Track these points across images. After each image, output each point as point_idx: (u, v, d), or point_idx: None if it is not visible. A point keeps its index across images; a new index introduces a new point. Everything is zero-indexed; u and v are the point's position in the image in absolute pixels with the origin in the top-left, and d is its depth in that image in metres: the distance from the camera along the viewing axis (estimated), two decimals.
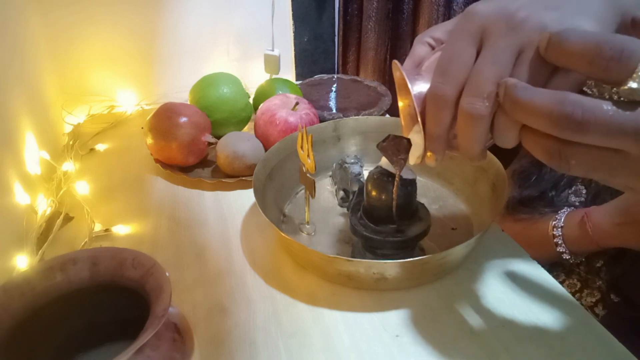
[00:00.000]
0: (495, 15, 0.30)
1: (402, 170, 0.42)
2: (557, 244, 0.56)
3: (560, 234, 0.56)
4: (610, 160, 0.26)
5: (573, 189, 0.58)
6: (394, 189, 0.42)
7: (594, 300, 0.56)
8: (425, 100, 0.33)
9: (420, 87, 0.34)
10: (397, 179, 0.42)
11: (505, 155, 0.65)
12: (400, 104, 0.40)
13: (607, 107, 0.25)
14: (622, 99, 0.25)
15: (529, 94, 0.27)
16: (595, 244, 0.53)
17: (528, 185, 0.61)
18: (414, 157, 0.38)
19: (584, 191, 0.57)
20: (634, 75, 0.24)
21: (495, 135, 0.31)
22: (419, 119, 0.34)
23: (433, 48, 0.39)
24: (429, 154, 0.36)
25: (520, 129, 0.30)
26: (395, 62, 0.36)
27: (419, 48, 0.40)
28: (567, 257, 0.56)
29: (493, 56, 0.30)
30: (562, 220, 0.56)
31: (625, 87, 0.24)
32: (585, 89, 0.31)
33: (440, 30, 0.40)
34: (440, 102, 0.32)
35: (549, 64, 0.29)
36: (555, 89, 0.28)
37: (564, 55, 0.27)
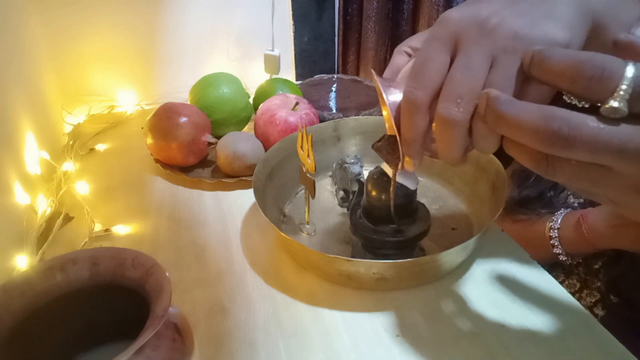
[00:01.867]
0: (468, 22, 0.30)
1: (406, 177, 0.42)
2: (553, 245, 0.56)
3: (557, 235, 0.56)
4: (593, 174, 0.26)
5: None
6: (391, 188, 0.42)
7: (593, 300, 0.56)
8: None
9: (395, 95, 0.35)
10: (393, 178, 0.42)
11: (505, 155, 0.65)
12: (384, 112, 0.40)
13: (593, 123, 0.25)
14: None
15: (514, 109, 0.27)
16: (591, 246, 0.53)
17: (527, 186, 0.61)
18: (391, 164, 0.39)
19: None
20: (615, 94, 0.24)
21: (475, 142, 0.31)
22: (394, 125, 0.34)
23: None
24: (407, 159, 0.36)
25: (502, 137, 0.30)
26: (372, 71, 0.37)
27: (398, 58, 0.40)
28: (564, 259, 0.56)
29: (467, 62, 0.30)
30: (559, 221, 0.56)
31: (607, 106, 0.24)
32: (565, 97, 0.31)
33: (418, 40, 0.40)
34: (413, 107, 0.32)
35: (520, 70, 0.29)
36: (531, 95, 0.29)
37: (546, 73, 0.27)
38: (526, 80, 0.29)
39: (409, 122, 0.33)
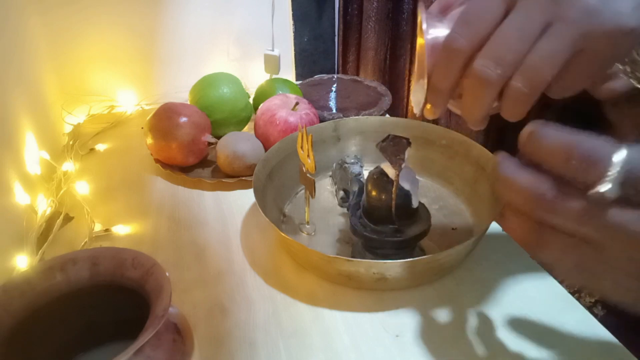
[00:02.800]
0: None
1: (407, 178, 0.42)
2: None
3: None
4: (583, 251, 0.26)
5: None
6: (393, 189, 0.42)
7: (593, 300, 0.56)
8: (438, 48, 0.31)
9: (437, 32, 0.32)
10: (395, 179, 0.42)
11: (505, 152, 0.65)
12: (418, 49, 0.37)
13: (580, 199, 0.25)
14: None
15: (511, 173, 0.26)
16: None
17: None
18: (415, 105, 0.36)
19: None
20: (603, 180, 0.24)
21: (503, 106, 0.30)
22: (426, 67, 0.32)
23: None
24: (428, 106, 0.34)
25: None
26: (421, 2, 0.35)
27: None
28: None
29: (521, 22, 0.28)
30: None
31: (594, 191, 0.24)
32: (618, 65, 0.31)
33: None
34: (453, 55, 0.30)
35: (573, 45, 0.27)
36: (576, 74, 0.28)
37: (539, 153, 0.26)
38: (576, 55, 0.28)
39: (445, 69, 0.31)
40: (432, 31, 0.32)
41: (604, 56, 0.28)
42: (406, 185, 0.43)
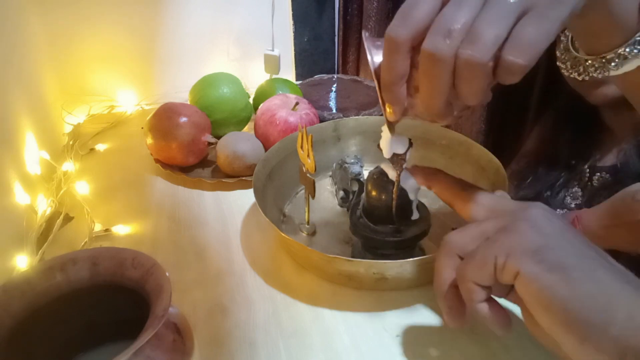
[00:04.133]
0: None
1: (408, 179, 0.42)
2: None
3: None
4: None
5: (569, 191, 0.58)
6: (394, 189, 0.42)
7: None
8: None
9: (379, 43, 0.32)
10: (396, 179, 0.42)
11: (505, 156, 0.65)
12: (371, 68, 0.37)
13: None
14: None
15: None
16: None
17: (524, 187, 0.61)
18: (383, 148, 0.39)
19: (580, 193, 0.57)
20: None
21: (459, 85, 0.29)
22: (374, 77, 0.32)
23: None
24: (388, 109, 0.34)
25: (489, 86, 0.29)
26: (363, 32, 0.35)
27: None
28: None
29: (459, 2, 0.28)
30: None
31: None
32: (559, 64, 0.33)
33: None
34: (393, 45, 0.30)
35: (517, 12, 0.27)
36: (524, 36, 0.27)
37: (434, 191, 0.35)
38: (519, 21, 0.28)
39: (388, 62, 0.31)
40: (377, 55, 0.33)
41: (549, 20, 0.27)
42: (407, 186, 0.43)
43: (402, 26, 0.29)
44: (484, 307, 0.31)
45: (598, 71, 0.33)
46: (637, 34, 0.31)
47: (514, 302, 0.31)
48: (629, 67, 0.32)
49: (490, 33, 0.27)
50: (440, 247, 0.34)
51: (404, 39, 0.29)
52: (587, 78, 0.34)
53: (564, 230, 0.30)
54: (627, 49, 0.31)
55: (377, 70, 0.33)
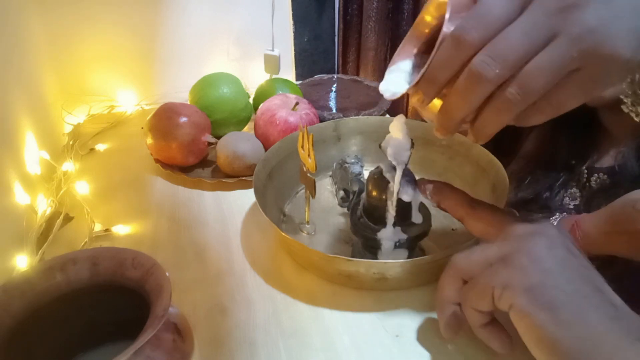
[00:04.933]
0: None
1: (406, 188, 0.42)
2: None
3: None
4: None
5: (568, 192, 0.58)
6: (395, 189, 0.42)
7: None
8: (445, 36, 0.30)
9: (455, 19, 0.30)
10: (397, 178, 0.42)
11: (504, 156, 0.65)
12: (424, 18, 0.36)
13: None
14: None
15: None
16: (585, 252, 0.52)
17: (523, 188, 0.61)
18: (385, 89, 0.37)
19: (578, 194, 0.57)
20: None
21: (485, 114, 0.30)
22: (432, 55, 0.31)
23: None
24: (417, 94, 0.33)
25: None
26: None
27: None
28: None
29: (528, 27, 0.28)
30: None
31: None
32: (622, 97, 0.32)
33: None
34: (461, 44, 0.29)
35: (571, 62, 0.27)
36: (568, 92, 0.28)
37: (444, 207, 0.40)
38: (571, 73, 0.28)
39: (446, 58, 0.30)
40: (451, 18, 0.31)
41: (597, 79, 0.28)
42: (404, 196, 0.43)
43: (474, 30, 0.28)
44: (483, 332, 0.34)
45: None
46: None
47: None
48: None
49: (541, 82, 0.27)
50: (446, 267, 0.36)
51: (473, 45, 0.29)
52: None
53: (565, 263, 0.31)
54: None
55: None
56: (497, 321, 0.34)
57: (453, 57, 0.30)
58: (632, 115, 0.33)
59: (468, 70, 0.29)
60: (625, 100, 0.33)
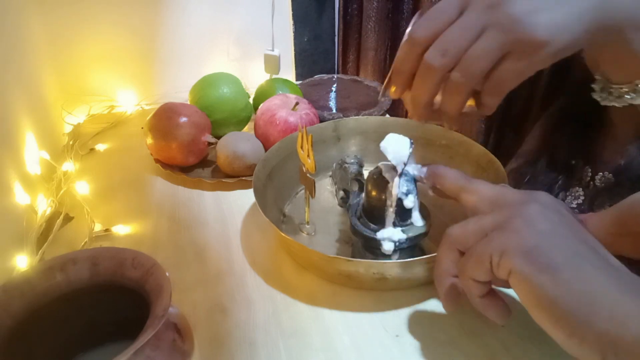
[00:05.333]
0: None
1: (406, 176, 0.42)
2: None
3: None
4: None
5: (570, 191, 0.58)
6: (394, 189, 0.42)
7: None
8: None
9: None
10: (397, 178, 0.42)
11: (505, 156, 0.65)
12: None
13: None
14: None
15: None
16: None
17: (521, 186, 0.61)
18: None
19: (582, 193, 0.57)
20: None
21: (443, 97, 0.36)
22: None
23: None
24: (392, 88, 0.40)
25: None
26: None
27: None
28: None
29: (464, 23, 0.34)
30: None
31: None
32: (594, 86, 0.38)
33: None
34: (413, 42, 0.36)
35: (501, 47, 0.33)
36: (502, 71, 0.34)
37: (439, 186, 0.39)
38: (503, 57, 0.34)
39: (404, 53, 0.37)
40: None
41: (525, 59, 0.33)
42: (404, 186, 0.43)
43: (422, 29, 0.36)
44: (481, 302, 0.34)
45: (621, 100, 0.38)
46: None
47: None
48: None
49: (478, 66, 0.34)
50: (442, 239, 0.36)
51: (420, 41, 0.35)
52: (612, 104, 0.38)
53: (559, 225, 0.31)
54: None
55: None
56: (495, 291, 0.34)
57: (410, 52, 0.36)
58: (599, 99, 0.39)
59: (422, 62, 0.36)
60: (595, 88, 0.39)
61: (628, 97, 0.37)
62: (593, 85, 0.39)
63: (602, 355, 0.27)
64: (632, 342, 0.26)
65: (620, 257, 0.53)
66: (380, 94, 0.43)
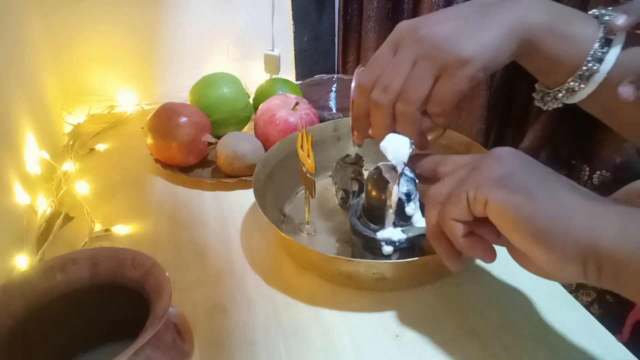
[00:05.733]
0: (407, 30, 0.39)
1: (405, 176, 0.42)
2: None
3: None
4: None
5: None
6: (394, 189, 0.42)
7: (589, 299, 0.56)
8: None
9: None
10: (397, 178, 0.42)
11: None
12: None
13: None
14: None
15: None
16: None
17: None
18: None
19: None
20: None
21: (397, 124, 0.40)
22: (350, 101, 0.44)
23: None
24: (355, 133, 0.45)
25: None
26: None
27: None
28: None
29: (397, 61, 0.39)
30: None
31: None
32: (534, 94, 0.42)
33: None
34: (360, 89, 0.41)
35: (432, 73, 0.37)
36: (438, 94, 0.38)
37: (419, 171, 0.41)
38: (437, 80, 0.37)
39: (357, 101, 0.42)
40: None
41: (455, 78, 0.37)
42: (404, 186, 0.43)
43: (365, 76, 0.40)
44: (465, 242, 0.34)
45: (558, 101, 0.41)
46: (579, 70, 0.37)
47: (501, 244, 0.34)
48: (579, 97, 0.39)
49: (415, 94, 0.38)
50: (424, 201, 0.37)
51: (366, 86, 0.40)
52: (550, 107, 0.42)
53: (527, 161, 0.33)
54: (573, 83, 0.38)
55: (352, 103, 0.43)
56: (478, 235, 0.34)
57: (361, 99, 0.41)
58: (541, 106, 0.42)
59: (371, 103, 0.40)
60: (536, 97, 0.42)
61: (563, 97, 0.40)
62: (533, 94, 0.43)
63: (583, 263, 0.28)
64: (611, 244, 0.27)
65: None
66: (353, 143, 0.47)
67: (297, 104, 0.66)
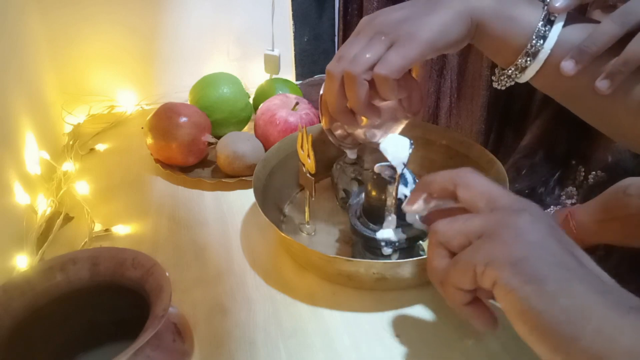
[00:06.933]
0: (366, 21, 0.43)
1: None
2: None
3: None
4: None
5: (564, 190, 0.58)
6: (394, 189, 0.42)
7: None
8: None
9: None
10: (397, 178, 0.42)
11: (504, 154, 0.65)
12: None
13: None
14: None
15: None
16: (580, 242, 0.53)
17: (519, 180, 0.61)
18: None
19: (575, 192, 0.57)
20: None
21: (346, 94, 0.42)
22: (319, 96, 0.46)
23: None
24: (323, 119, 0.47)
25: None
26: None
27: None
28: None
29: (354, 40, 0.42)
30: None
31: None
32: (492, 77, 0.44)
33: None
34: (328, 75, 0.42)
35: (386, 45, 0.40)
36: (386, 58, 0.39)
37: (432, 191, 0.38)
38: (387, 51, 0.40)
39: (327, 87, 0.43)
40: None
41: (405, 48, 0.39)
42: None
43: (331, 63, 0.42)
44: (466, 310, 0.33)
45: (511, 79, 0.42)
46: (525, 48, 0.39)
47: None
48: (528, 74, 0.41)
49: (365, 57, 0.40)
50: (429, 236, 0.35)
51: (335, 72, 0.42)
52: (505, 86, 0.44)
53: (548, 236, 0.30)
54: (521, 60, 0.40)
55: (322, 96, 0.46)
56: (481, 300, 0.33)
57: (329, 83, 0.43)
58: (495, 85, 0.43)
59: (326, 75, 0.42)
60: (494, 79, 0.44)
61: (513, 75, 0.41)
62: (492, 77, 0.44)
63: None
64: (621, 357, 0.25)
65: (609, 246, 0.54)
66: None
67: (297, 104, 0.66)
